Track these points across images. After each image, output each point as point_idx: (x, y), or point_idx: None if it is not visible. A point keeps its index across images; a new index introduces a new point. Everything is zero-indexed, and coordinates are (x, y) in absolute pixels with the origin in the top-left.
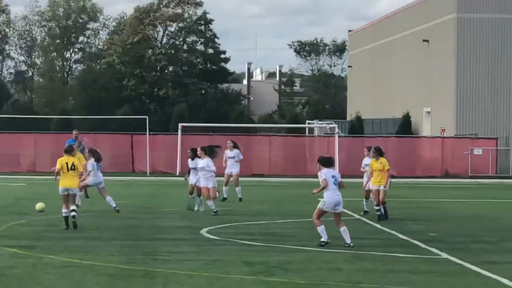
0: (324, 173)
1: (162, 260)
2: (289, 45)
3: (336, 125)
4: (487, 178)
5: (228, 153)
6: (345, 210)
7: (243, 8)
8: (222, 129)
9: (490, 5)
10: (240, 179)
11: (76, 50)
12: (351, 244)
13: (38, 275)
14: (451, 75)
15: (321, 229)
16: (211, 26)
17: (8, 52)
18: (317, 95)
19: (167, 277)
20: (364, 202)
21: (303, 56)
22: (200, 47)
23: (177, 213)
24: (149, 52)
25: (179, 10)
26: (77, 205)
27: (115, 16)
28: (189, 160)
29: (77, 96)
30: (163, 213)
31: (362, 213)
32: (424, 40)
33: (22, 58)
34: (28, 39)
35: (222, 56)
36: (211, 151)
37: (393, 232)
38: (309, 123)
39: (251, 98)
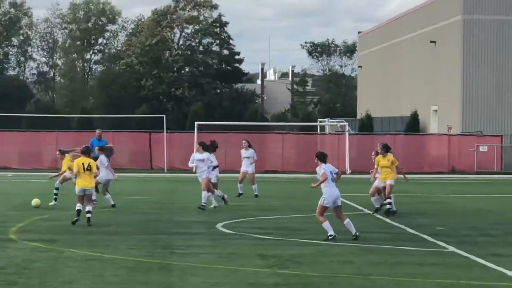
0: (324, 168)
1: (179, 253)
2: (301, 45)
3: (347, 123)
4: (492, 174)
5: (244, 152)
6: (355, 205)
7: (257, 11)
8: (236, 127)
9: (495, 7)
10: (255, 175)
11: (96, 51)
12: (358, 234)
13: (59, 268)
14: (457, 75)
15: (326, 225)
16: (226, 28)
17: (30, 53)
18: (328, 94)
19: (184, 270)
20: (373, 199)
21: (315, 57)
22: (215, 48)
23: (194, 208)
24: (167, 53)
25: (195, 13)
26: (95, 201)
27: (133, 18)
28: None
29: (97, 96)
30: (180, 208)
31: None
32: (431, 41)
33: (44, 59)
34: (50, 41)
35: (237, 57)
36: (209, 147)
37: (402, 226)
38: (320, 122)
39: (265, 98)
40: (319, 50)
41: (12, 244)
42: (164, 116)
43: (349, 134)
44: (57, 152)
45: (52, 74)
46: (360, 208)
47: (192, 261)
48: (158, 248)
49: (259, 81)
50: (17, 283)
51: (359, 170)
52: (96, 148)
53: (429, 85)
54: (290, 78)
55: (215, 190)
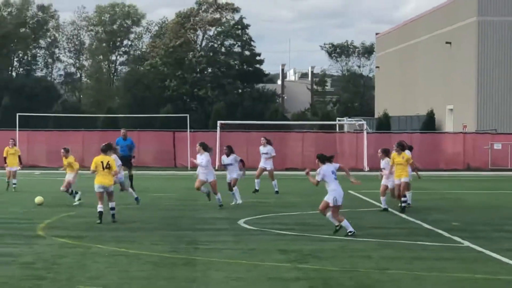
0: (323, 171)
1: (203, 249)
2: (321, 47)
3: (365, 122)
4: (506, 171)
5: (262, 149)
6: (373, 201)
7: (277, 13)
8: (258, 126)
9: (510, 8)
10: (276, 173)
11: (121, 53)
12: (338, 229)
13: (87, 263)
14: (472, 75)
15: (345, 223)
16: (247, 30)
17: (57, 55)
18: (347, 94)
19: (207, 265)
20: (382, 199)
21: (334, 58)
22: (237, 49)
23: (216, 205)
24: (190, 55)
25: (217, 15)
26: (137, 198)
27: (157, 21)
28: (224, 156)
29: (122, 96)
30: (203, 205)
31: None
32: (447, 42)
33: (71, 61)
34: (77, 43)
35: (258, 58)
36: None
37: (418, 221)
38: (339, 120)
39: (285, 97)
40: (338, 51)
41: (40, 240)
42: (188, 115)
43: (367, 133)
44: (62, 150)
45: (78, 75)
46: (378, 204)
47: (215, 257)
48: (182, 244)
49: (279, 82)
50: (46, 278)
51: (376, 168)
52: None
53: (444, 85)
54: (309, 78)
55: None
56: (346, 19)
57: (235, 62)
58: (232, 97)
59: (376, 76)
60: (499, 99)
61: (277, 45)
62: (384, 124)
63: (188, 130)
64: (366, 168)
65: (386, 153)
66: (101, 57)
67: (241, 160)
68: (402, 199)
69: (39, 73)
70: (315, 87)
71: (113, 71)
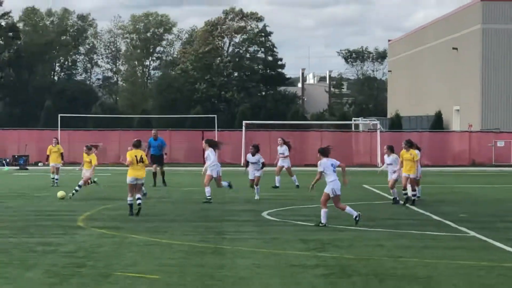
0: (324, 164)
1: (230, 238)
2: (337, 52)
3: (378, 122)
4: (509, 167)
5: (279, 149)
6: (386, 195)
7: (298, 21)
8: (279, 126)
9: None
10: (296, 168)
11: (154, 58)
12: (324, 223)
13: (123, 252)
14: (477, 78)
15: (348, 209)
16: (270, 37)
17: (96, 61)
18: (361, 96)
19: (234, 253)
20: (392, 191)
21: (350, 63)
22: (260, 55)
23: (242, 198)
24: (217, 60)
25: (242, 24)
26: (144, 194)
27: (187, 29)
28: (249, 155)
29: (155, 98)
30: (230, 198)
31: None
32: (453, 48)
33: (108, 66)
34: (113, 49)
35: (280, 63)
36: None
37: (428, 213)
38: (355, 120)
39: (305, 99)
40: (353, 56)
41: (80, 230)
42: (216, 116)
43: (380, 132)
44: (84, 148)
45: (115, 79)
46: (390, 197)
47: (241, 245)
48: (211, 234)
49: (299, 85)
50: (86, 265)
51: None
52: (129, 148)
53: (451, 87)
54: (327, 82)
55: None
56: (361, 27)
57: (259, 66)
58: (256, 99)
59: (388, 79)
60: (502, 100)
61: (297, 51)
62: (396, 123)
63: (216, 129)
64: (380, 165)
65: (391, 149)
66: (136, 62)
67: (263, 163)
68: (411, 192)
69: (78, 77)
70: (332, 89)
71: (146, 75)
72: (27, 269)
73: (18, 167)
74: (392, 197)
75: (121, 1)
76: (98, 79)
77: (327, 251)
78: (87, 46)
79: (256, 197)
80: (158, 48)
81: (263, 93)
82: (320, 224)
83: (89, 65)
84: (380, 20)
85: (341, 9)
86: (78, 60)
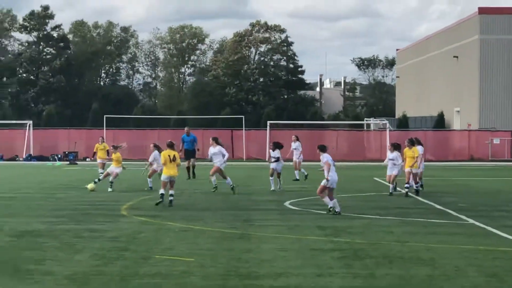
0: (326, 157)
1: (256, 225)
2: (351, 60)
3: (387, 122)
4: (504, 161)
5: (292, 144)
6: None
7: (316, 33)
8: (300, 126)
9: (506, 29)
10: (313, 163)
11: (189, 66)
12: (340, 212)
13: (161, 238)
14: (475, 83)
15: (326, 200)
16: (291, 47)
17: (137, 68)
18: (373, 99)
19: (260, 238)
20: (390, 186)
21: (362, 69)
22: (283, 63)
23: (266, 189)
24: (245, 67)
25: (267, 35)
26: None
27: (218, 39)
28: (271, 150)
29: (190, 101)
30: (256, 190)
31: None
32: (454, 56)
33: (148, 72)
34: (152, 58)
35: (300, 69)
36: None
37: (431, 203)
38: (366, 121)
39: (322, 102)
40: (365, 63)
41: (123, 218)
42: (243, 117)
43: (389, 130)
44: (111, 148)
45: (154, 84)
46: (398, 189)
47: (266, 232)
48: (239, 222)
49: (318, 89)
50: (128, 249)
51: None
52: (151, 145)
53: (452, 91)
54: (342, 86)
55: (212, 177)
56: (372, 38)
57: (282, 73)
58: (279, 102)
59: (396, 84)
60: (497, 102)
61: (315, 59)
62: (403, 123)
63: (244, 129)
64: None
65: (395, 147)
66: (172, 69)
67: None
68: (415, 185)
69: (122, 83)
70: (347, 93)
71: (182, 81)
72: (76, 253)
73: (68, 162)
74: (390, 191)
75: (160, 14)
76: (139, 84)
77: (341, 236)
78: (129, 55)
79: (272, 188)
80: (192, 57)
81: (285, 96)
82: (336, 213)
83: (131, 71)
84: (389, 32)
85: (354, 22)
86: (121, 67)
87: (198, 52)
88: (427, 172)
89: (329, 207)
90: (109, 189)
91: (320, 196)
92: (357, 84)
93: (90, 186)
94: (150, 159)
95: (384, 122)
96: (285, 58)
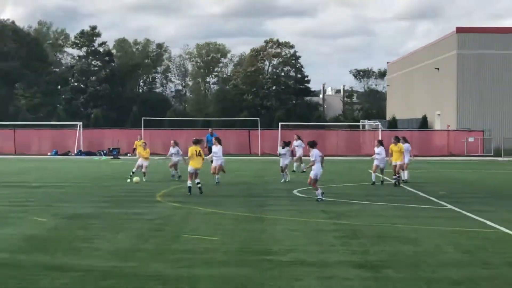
0: (315, 153)
1: (269, 210)
2: (349, 71)
3: (379, 123)
4: (477, 157)
5: (294, 142)
6: (386, 178)
7: (320, 48)
8: (306, 126)
9: (480, 44)
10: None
11: (213, 76)
12: (322, 198)
13: (189, 220)
14: (453, 91)
15: (319, 192)
16: (299, 60)
17: (169, 78)
18: (367, 104)
19: (272, 220)
20: (373, 175)
21: (359, 79)
22: (292, 74)
23: (277, 180)
24: (260, 77)
25: (278, 50)
26: (180, 176)
27: (238, 54)
28: (280, 147)
29: (214, 105)
30: (269, 180)
31: (372, 184)
32: (435, 68)
33: (178, 81)
34: (182, 69)
35: (306, 79)
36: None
37: (415, 191)
38: (362, 122)
39: (325, 106)
40: (361, 74)
41: (158, 204)
42: (258, 119)
43: (381, 131)
44: (144, 144)
45: (184, 91)
46: (387, 179)
47: (278, 215)
48: (255, 206)
49: (321, 95)
50: (163, 229)
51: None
52: (172, 141)
53: (434, 97)
54: (342, 93)
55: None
56: (367, 53)
57: (291, 82)
58: (289, 106)
59: (387, 91)
60: (472, 107)
61: (319, 70)
62: (392, 124)
63: (259, 129)
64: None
65: (380, 143)
66: (199, 79)
67: (292, 151)
68: (397, 175)
69: (157, 90)
70: (345, 99)
71: (207, 89)
72: (118, 232)
73: (112, 157)
74: (372, 181)
75: (189, 33)
76: (171, 91)
77: (341, 219)
78: (163, 66)
79: (282, 180)
80: (216, 69)
81: (294, 102)
82: (319, 199)
83: (164, 81)
84: (381, 48)
85: (351, 40)
86: (156, 77)
87: (221, 64)
88: (413, 165)
89: (319, 196)
90: (144, 179)
91: (315, 187)
92: (354, 91)
93: (135, 179)
94: (169, 153)
95: (376, 123)
96: (293, 69)
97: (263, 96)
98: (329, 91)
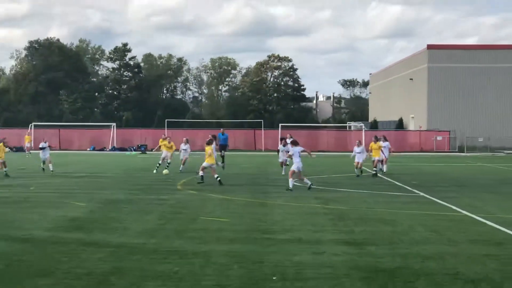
0: (294, 150)
1: (270, 196)
2: (338, 81)
3: (363, 124)
4: (444, 152)
5: (287, 141)
6: (368, 170)
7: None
8: (301, 127)
9: (447, 59)
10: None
11: (225, 85)
12: (291, 189)
13: (205, 204)
14: (425, 97)
15: (291, 182)
16: (296, 72)
17: (188, 86)
18: (353, 108)
19: (273, 205)
20: (356, 169)
21: (346, 87)
22: (290, 83)
23: (278, 172)
24: (264, 86)
25: (279, 63)
26: (196, 173)
27: (245, 66)
28: (281, 145)
29: (225, 109)
30: (271, 171)
31: (357, 176)
32: (410, 79)
33: (195, 89)
34: (199, 79)
35: (302, 87)
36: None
37: (393, 181)
38: (349, 124)
39: (318, 110)
40: (348, 83)
41: (178, 191)
42: (262, 121)
43: (364, 130)
44: (168, 138)
45: (200, 98)
46: (369, 171)
47: (278, 201)
48: (258, 193)
49: (314, 101)
50: (182, 213)
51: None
52: (184, 139)
53: (408, 103)
54: (332, 100)
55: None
56: (353, 65)
57: (289, 90)
58: (287, 110)
59: (370, 98)
60: (441, 111)
61: (313, 80)
62: (374, 125)
63: (262, 129)
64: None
65: (360, 142)
66: (213, 88)
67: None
68: (374, 169)
69: (178, 96)
70: (335, 104)
71: (220, 95)
72: (146, 214)
73: (140, 152)
74: (356, 174)
75: (205, 49)
76: (190, 97)
77: (330, 204)
78: (183, 77)
79: (283, 172)
80: (227, 79)
81: (292, 106)
82: (288, 190)
83: (184, 89)
84: (365, 61)
85: (340, 54)
86: (177, 86)
87: (231, 75)
88: (391, 159)
89: (309, 184)
90: (165, 171)
91: (291, 177)
92: (342, 98)
93: (165, 171)
94: (180, 148)
95: (360, 124)
96: (291, 79)
97: (266, 101)
98: (321, 98)
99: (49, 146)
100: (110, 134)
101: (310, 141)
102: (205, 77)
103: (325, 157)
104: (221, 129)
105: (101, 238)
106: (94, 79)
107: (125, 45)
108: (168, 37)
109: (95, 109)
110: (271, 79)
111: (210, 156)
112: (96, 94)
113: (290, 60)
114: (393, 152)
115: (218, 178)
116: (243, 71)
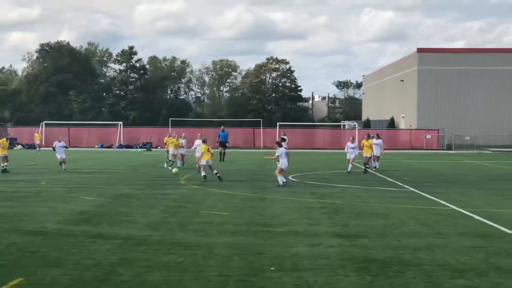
0: (280, 150)
1: (269, 191)
2: (333, 82)
3: (356, 123)
4: (433, 150)
5: (283, 137)
6: (360, 166)
7: (310, 63)
8: (298, 126)
9: (436, 62)
10: (307, 150)
11: (226, 86)
12: (285, 182)
13: (207, 198)
14: (415, 98)
15: (280, 178)
16: (293, 73)
17: (191, 87)
18: (348, 107)
19: (272, 200)
20: (349, 165)
21: (340, 88)
22: (288, 84)
23: (276, 168)
24: (263, 87)
25: (277, 66)
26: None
27: (245, 68)
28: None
29: (226, 109)
30: (269, 167)
31: (348, 172)
32: (401, 80)
33: (198, 90)
34: (201, 80)
35: (299, 88)
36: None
37: (385, 177)
38: (343, 122)
39: (314, 110)
40: (342, 85)
41: (182, 186)
42: (261, 119)
43: (358, 129)
44: (176, 136)
45: (203, 98)
46: (362, 167)
47: (276, 195)
48: (258, 188)
49: (311, 101)
50: (185, 207)
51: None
52: (183, 134)
53: (399, 103)
54: (327, 100)
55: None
56: (347, 67)
57: (287, 91)
58: (285, 110)
59: (363, 98)
60: (430, 111)
61: (309, 81)
62: (367, 124)
63: (261, 127)
64: (357, 149)
65: (353, 139)
66: (215, 88)
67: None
68: (366, 166)
69: (181, 97)
70: (330, 104)
71: (221, 96)
72: (151, 208)
73: (145, 149)
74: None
75: (207, 51)
76: (193, 97)
77: (326, 199)
78: (186, 78)
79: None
80: (228, 80)
81: (289, 106)
82: (279, 185)
83: (187, 89)
84: (358, 64)
85: (335, 57)
86: (180, 86)
87: (231, 77)
88: (383, 156)
89: (282, 182)
90: (165, 165)
91: (279, 175)
92: (336, 98)
93: (174, 170)
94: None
95: (354, 123)
96: (289, 81)
97: (265, 101)
98: (317, 98)
99: (65, 147)
100: (117, 132)
101: (306, 139)
102: (207, 79)
103: (320, 154)
104: (222, 127)
105: (108, 231)
106: (102, 80)
107: (131, 48)
108: (172, 41)
109: (103, 109)
110: (270, 80)
111: (205, 153)
112: (104, 94)
113: (287, 63)
114: (385, 149)
115: (218, 174)
116: (243, 72)
